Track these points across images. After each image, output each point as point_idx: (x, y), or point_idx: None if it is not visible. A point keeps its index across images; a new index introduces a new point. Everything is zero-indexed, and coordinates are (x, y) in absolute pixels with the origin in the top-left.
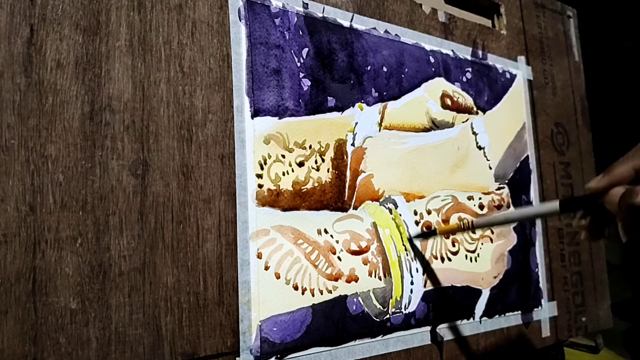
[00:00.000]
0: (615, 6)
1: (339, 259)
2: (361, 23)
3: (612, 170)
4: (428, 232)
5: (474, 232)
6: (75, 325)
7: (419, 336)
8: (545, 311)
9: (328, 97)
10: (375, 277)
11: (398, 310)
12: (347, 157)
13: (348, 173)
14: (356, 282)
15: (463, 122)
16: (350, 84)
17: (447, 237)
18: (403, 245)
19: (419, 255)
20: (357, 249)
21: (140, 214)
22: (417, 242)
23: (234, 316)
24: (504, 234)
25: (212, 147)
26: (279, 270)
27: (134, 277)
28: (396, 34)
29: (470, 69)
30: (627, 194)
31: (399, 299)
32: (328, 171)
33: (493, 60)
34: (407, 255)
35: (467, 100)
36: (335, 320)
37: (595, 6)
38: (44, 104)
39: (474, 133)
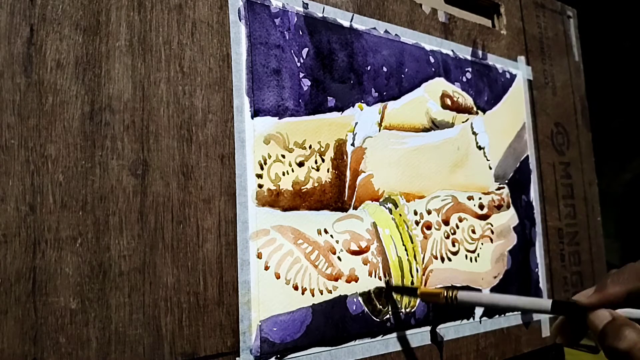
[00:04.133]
0: (615, 6)
1: (339, 259)
2: (361, 23)
3: (604, 289)
4: (408, 289)
5: (455, 306)
6: (75, 325)
7: (419, 336)
8: None
9: (328, 97)
10: (375, 277)
11: (398, 310)
12: (347, 157)
13: (348, 173)
14: (356, 282)
15: (463, 122)
16: (350, 84)
17: (423, 300)
18: (403, 245)
19: (393, 305)
20: (357, 249)
21: (140, 214)
22: (393, 254)
23: (234, 316)
24: (504, 234)
25: (212, 147)
26: (279, 270)
27: (134, 277)
28: (396, 34)
29: (470, 69)
30: (611, 331)
31: (399, 299)
32: (328, 171)
33: (493, 60)
34: (407, 255)
35: (467, 100)
36: (335, 320)
37: (595, 6)
38: (44, 104)
39: (474, 133)
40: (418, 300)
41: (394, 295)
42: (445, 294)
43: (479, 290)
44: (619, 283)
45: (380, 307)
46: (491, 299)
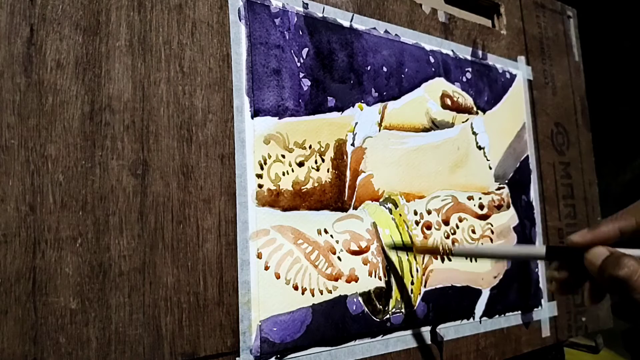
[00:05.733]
0: (615, 6)
1: (339, 259)
2: (361, 23)
3: (597, 228)
4: (404, 247)
5: (450, 259)
6: (75, 325)
7: (419, 336)
8: (545, 311)
9: (328, 97)
10: (375, 277)
11: (398, 310)
12: (347, 157)
13: (348, 173)
14: (356, 282)
15: (463, 122)
16: (350, 84)
17: (422, 255)
18: (403, 245)
19: (392, 266)
20: (357, 249)
21: (140, 214)
22: (392, 254)
23: (234, 316)
24: (504, 234)
25: (212, 147)
26: (279, 270)
27: (134, 277)
28: (396, 34)
29: (470, 69)
30: (610, 262)
31: (399, 299)
32: (328, 171)
33: (493, 60)
34: (407, 255)
35: (467, 100)
36: (335, 320)
37: (595, 6)
38: (44, 104)
39: (474, 133)
40: (418, 300)
41: (390, 254)
42: (442, 247)
43: (479, 290)
44: (611, 221)
45: (380, 307)
46: (485, 250)
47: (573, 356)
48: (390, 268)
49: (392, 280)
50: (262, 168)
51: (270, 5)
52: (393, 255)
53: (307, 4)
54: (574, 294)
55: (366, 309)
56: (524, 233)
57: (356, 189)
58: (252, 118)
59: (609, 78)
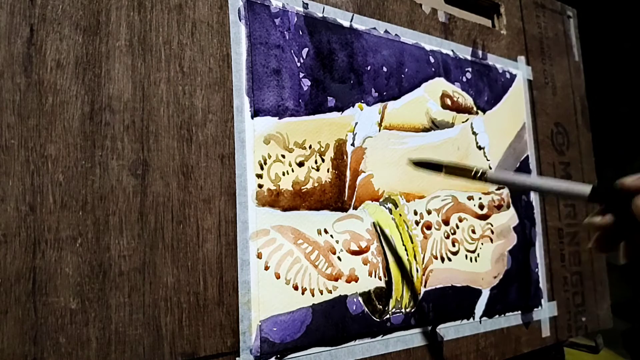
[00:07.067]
0: (615, 6)
1: (339, 259)
2: (361, 23)
3: None
4: (433, 165)
5: (482, 181)
6: (75, 325)
7: (419, 336)
8: (545, 311)
9: (328, 97)
10: (375, 277)
11: (398, 310)
12: (347, 157)
13: (348, 173)
14: (356, 282)
15: (463, 122)
16: (350, 84)
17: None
18: (403, 245)
19: (392, 266)
20: (357, 249)
21: (140, 214)
22: (393, 254)
23: (234, 316)
24: (504, 234)
25: (212, 147)
26: (279, 270)
27: (134, 277)
28: (396, 34)
29: (470, 69)
30: None
31: (399, 299)
32: (328, 171)
33: (493, 60)
34: (407, 255)
35: (467, 100)
36: (335, 320)
37: (595, 6)
38: (44, 104)
39: (474, 133)
40: (418, 300)
41: (420, 169)
42: (473, 171)
43: (479, 290)
44: None
45: (380, 307)
46: (523, 181)
47: (573, 356)
48: (390, 267)
49: (392, 280)
50: (262, 168)
51: (270, 5)
52: (393, 255)
53: (307, 4)
54: (612, 252)
55: (366, 309)
56: (524, 233)
57: (356, 189)
58: (252, 118)
59: (609, 78)
